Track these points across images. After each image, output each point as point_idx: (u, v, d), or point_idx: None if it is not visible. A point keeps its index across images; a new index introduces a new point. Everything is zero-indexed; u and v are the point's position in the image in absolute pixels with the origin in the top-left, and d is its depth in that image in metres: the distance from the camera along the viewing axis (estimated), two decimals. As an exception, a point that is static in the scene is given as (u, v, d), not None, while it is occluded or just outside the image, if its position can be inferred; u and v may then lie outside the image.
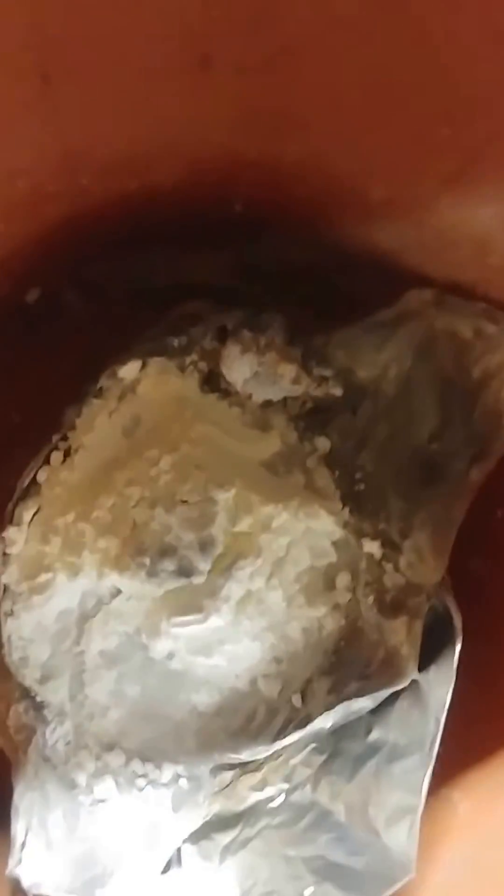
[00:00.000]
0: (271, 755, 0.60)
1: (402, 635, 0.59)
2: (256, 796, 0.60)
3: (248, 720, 0.61)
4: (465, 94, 0.48)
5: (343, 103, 0.52)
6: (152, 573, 0.60)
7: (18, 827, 0.59)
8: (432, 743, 0.57)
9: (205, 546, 0.60)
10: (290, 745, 0.60)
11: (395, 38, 0.47)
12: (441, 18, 0.45)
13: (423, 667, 0.59)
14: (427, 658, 0.59)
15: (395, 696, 0.59)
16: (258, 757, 0.59)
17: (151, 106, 0.53)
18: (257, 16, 0.46)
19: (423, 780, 0.57)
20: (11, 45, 0.46)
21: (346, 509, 0.63)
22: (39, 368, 0.75)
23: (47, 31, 0.46)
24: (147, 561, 0.60)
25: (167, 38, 0.48)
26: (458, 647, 0.58)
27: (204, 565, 0.60)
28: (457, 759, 0.60)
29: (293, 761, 0.61)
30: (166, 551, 0.60)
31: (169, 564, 0.60)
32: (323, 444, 0.65)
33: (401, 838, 0.56)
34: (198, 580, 0.60)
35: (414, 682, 0.58)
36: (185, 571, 0.60)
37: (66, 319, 0.76)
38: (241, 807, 0.60)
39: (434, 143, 0.52)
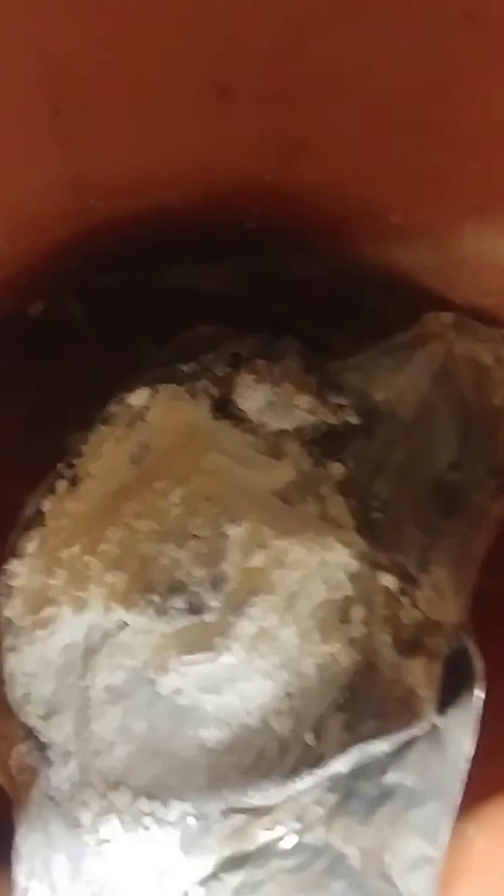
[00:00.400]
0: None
1: (421, 677, 0.57)
2: (267, 835, 0.58)
3: (258, 757, 0.59)
4: (493, 130, 0.47)
5: (363, 133, 0.52)
6: (161, 611, 0.58)
7: (20, 872, 0.58)
8: (453, 792, 0.56)
9: (216, 583, 0.59)
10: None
11: (421, 74, 0.46)
12: (470, 57, 0.43)
13: (442, 708, 0.57)
14: (446, 698, 0.58)
15: (412, 738, 0.58)
16: (271, 801, 0.58)
17: (165, 133, 0.52)
18: (280, 49, 0.45)
19: (444, 831, 0.55)
20: (23, 80, 0.45)
21: (362, 539, 0.61)
22: (42, 380, 0.75)
23: (59, 66, 0.45)
24: (156, 598, 0.58)
25: (186, 70, 0.47)
26: (481, 696, 0.56)
27: (215, 603, 0.58)
28: (472, 793, 0.58)
29: (305, 800, 0.59)
30: (176, 588, 0.59)
31: (179, 602, 0.58)
32: (337, 469, 0.64)
33: (418, 890, 0.55)
34: (209, 618, 0.59)
35: (432, 725, 0.57)
36: (195, 609, 0.58)
37: (69, 331, 0.75)
38: (252, 846, 0.59)
39: (459, 176, 0.51)
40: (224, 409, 0.64)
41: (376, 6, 0.44)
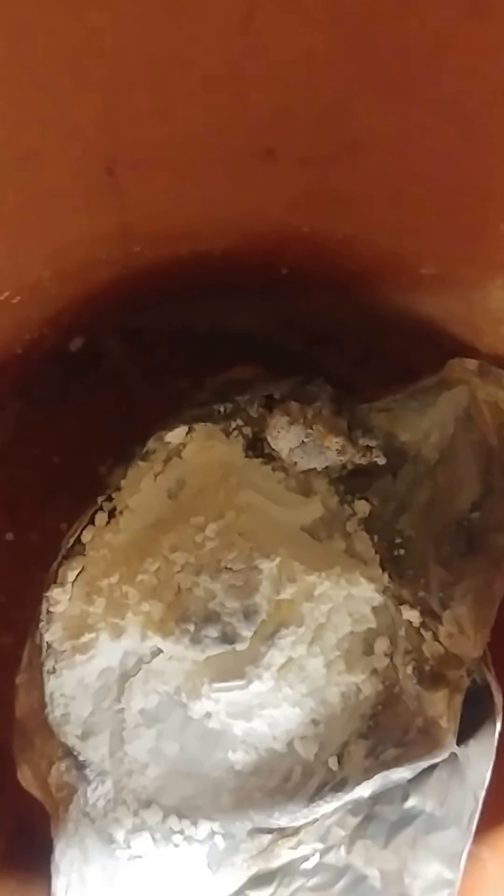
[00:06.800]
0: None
1: (442, 708, 0.59)
2: (290, 854, 0.60)
3: (283, 780, 0.62)
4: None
5: (400, 193, 0.53)
6: (196, 639, 0.60)
7: (59, 885, 0.60)
8: (471, 818, 0.58)
9: (249, 614, 0.60)
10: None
11: (457, 144, 0.48)
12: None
13: (461, 739, 0.59)
14: (465, 729, 0.60)
15: (432, 766, 0.60)
16: (296, 823, 0.59)
17: (210, 190, 0.54)
18: (325, 118, 0.47)
19: (462, 856, 0.57)
20: (83, 142, 0.47)
21: (386, 575, 0.63)
22: (79, 414, 0.78)
23: (117, 130, 0.47)
24: (191, 627, 0.60)
25: (234, 136, 0.49)
26: (499, 726, 0.58)
27: (247, 633, 0.60)
28: (487, 818, 0.60)
29: (328, 822, 0.61)
30: (210, 618, 0.60)
31: (213, 631, 0.60)
32: (362, 507, 0.66)
33: (437, 911, 0.56)
34: (240, 647, 0.60)
35: (452, 753, 0.59)
36: (228, 639, 0.60)
37: (107, 366, 0.78)
38: (276, 864, 0.60)
39: (490, 237, 0.52)
40: (256, 448, 0.67)
41: (420, 83, 0.46)
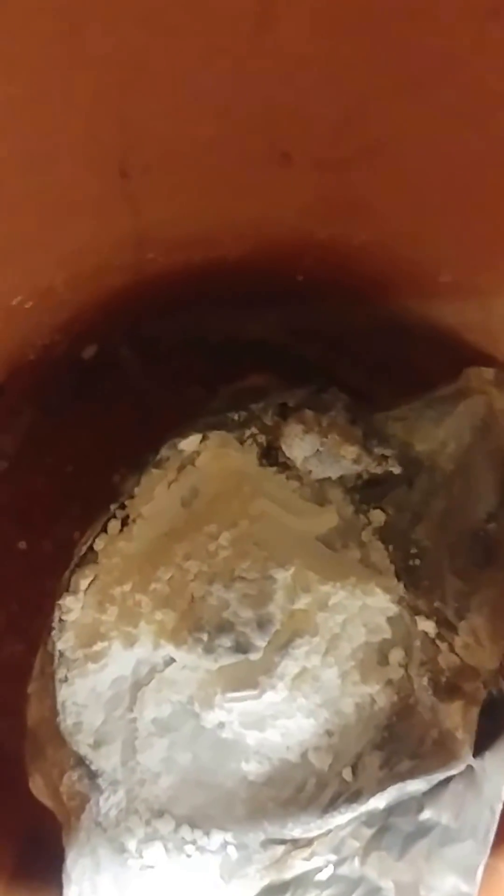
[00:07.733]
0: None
1: (458, 720, 0.59)
2: (304, 866, 0.60)
3: (297, 791, 0.61)
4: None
5: (418, 199, 0.53)
6: (209, 649, 0.60)
7: (70, 894, 0.60)
8: (487, 832, 0.57)
9: (263, 624, 0.60)
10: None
11: (477, 147, 0.47)
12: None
13: (477, 751, 0.59)
14: (482, 741, 0.59)
15: (448, 778, 0.59)
16: (310, 834, 0.59)
17: (225, 195, 0.54)
18: (342, 121, 0.47)
19: (479, 869, 0.57)
20: (96, 145, 0.47)
21: (401, 585, 0.63)
22: (92, 422, 0.78)
23: (132, 133, 0.47)
24: (205, 636, 0.60)
25: (249, 139, 0.48)
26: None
27: (261, 642, 0.60)
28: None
29: (342, 833, 0.60)
30: (224, 627, 0.60)
31: (226, 640, 0.60)
32: (378, 517, 0.65)
33: (453, 925, 0.56)
34: (254, 657, 0.60)
35: (468, 766, 0.58)
36: (242, 648, 0.60)
37: (120, 373, 0.78)
38: (289, 875, 0.60)
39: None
40: (271, 456, 0.66)
41: (439, 86, 0.46)
